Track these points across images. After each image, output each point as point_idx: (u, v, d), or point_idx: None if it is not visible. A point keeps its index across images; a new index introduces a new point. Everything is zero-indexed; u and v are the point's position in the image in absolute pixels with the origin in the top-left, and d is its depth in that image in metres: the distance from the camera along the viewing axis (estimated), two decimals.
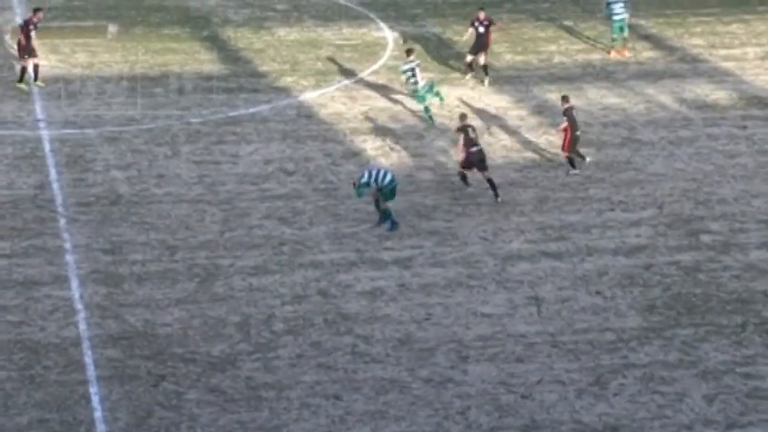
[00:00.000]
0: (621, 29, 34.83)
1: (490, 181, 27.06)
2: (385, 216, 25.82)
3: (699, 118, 31.70)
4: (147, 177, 28.12)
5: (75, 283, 23.76)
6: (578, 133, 28.51)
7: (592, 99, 32.81)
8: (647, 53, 35.84)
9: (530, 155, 29.67)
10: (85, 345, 21.88)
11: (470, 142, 27.08)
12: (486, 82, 32.93)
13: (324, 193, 27.64)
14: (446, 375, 21.41)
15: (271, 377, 21.22)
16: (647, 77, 34.15)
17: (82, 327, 22.40)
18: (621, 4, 34.72)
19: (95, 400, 20.49)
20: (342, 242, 25.57)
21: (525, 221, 26.56)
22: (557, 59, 35.41)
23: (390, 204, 25.88)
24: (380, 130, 30.68)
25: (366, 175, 25.74)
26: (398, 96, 32.66)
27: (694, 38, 36.50)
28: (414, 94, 31.15)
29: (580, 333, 22.65)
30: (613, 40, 34.91)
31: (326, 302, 23.46)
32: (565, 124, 28.33)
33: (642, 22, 38.23)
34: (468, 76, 33.29)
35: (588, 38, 37.09)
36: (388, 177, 25.69)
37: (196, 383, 21.02)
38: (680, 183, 28.30)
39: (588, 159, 28.80)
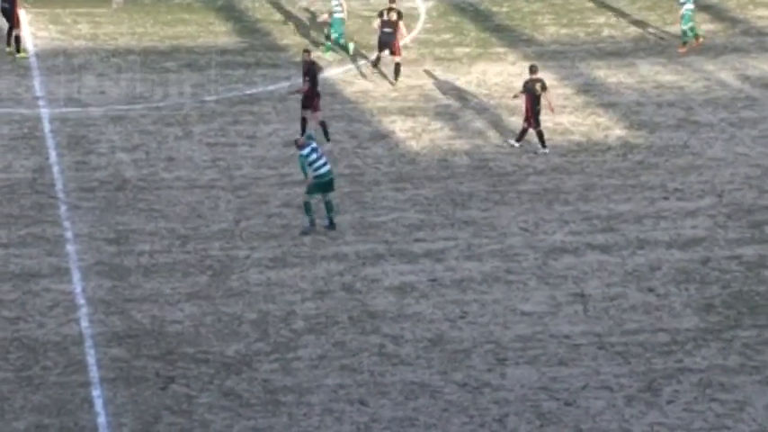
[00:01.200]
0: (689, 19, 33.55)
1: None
2: (308, 210, 25.07)
3: (764, 97, 31.50)
4: (155, 160, 28.22)
5: (76, 276, 23.89)
6: (538, 108, 28.32)
7: (645, 76, 32.69)
8: (706, 26, 35.62)
9: (575, 138, 29.59)
10: (88, 343, 22.00)
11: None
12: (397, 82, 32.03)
13: (349, 178, 27.66)
14: (482, 379, 21.41)
15: (290, 380, 21.28)
16: (707, 53, 33.96)
17: (84, 324, 22.53)
18: None
19: (98, 403, 20.60)
20: (368, 232, 25.60)
21: (570, 211, 26.50)
22: (606, 33, 35.26)
23: (313, 200, 25.02)
24: (411, 110, 30.66)
25: (308, 150, 24.97)
26: (431, 72, 32.63)
27: (759, 8, 36.24)
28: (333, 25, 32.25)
29: (630, 334, 22.59)
30: (684, 33, 33.68)
31: (351, 298, 23.50)
32: (523, 97, 28.25)
33: None
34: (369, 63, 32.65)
35: (641, 9, 36.91)
36: (323, 169, 24.88)
37: (208, 386, 21.11)
38: (742, 169, 28.15)
39: (514, 143, 28.60)
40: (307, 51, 29.04)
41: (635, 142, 29.42)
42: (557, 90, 31.98)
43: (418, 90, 31.59)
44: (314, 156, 24.96)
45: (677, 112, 30.92)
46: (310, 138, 25.62)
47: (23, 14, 35.31)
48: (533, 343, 22.27)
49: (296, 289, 23.69)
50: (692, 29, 33.71)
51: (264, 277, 24.05)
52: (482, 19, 35.85)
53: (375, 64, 32.45)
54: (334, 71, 32.76)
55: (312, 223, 25.16)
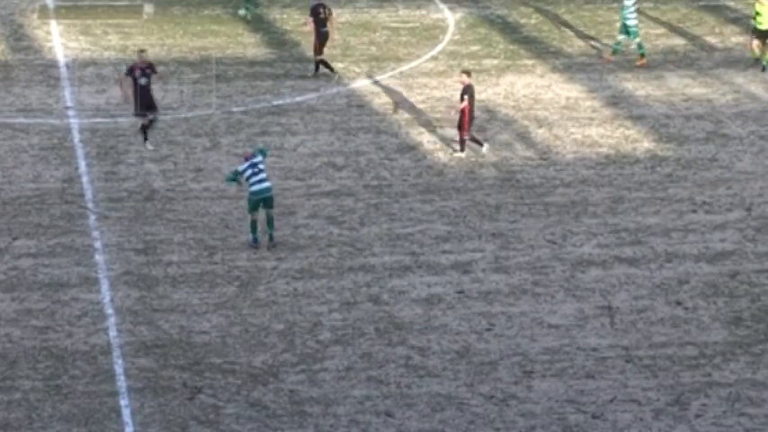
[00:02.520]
0: (630, 33, 33.41)
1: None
2: (252, 227, 25.04)
3: None
4: (183, 171, 28.32)
5: (105, 286, 23.99)
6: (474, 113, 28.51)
7: (674, 89, 32.58)
8: (735, 38, 35.50)
9: (603, 150, 29.52)
10: (116, 353, 22.08)
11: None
12: (311, 74, 32.45)
13: (376, 190, 27.68)
14: (509, 392, 21.36)
15: (316, 391, 21.29)
16: (736, 65, 33.83)
17: (112, 333, 22.61)
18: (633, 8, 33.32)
19: (126, 413, 20.66)
20: (395, 244, 25.60)
21: (597, 223, 26.43)
22: (634, 45, 35.18)
23: (259, 216, 24.89)
24: (439, 122, 30.65)
25: (245, 166, 24.94)
26: (459, 85, 32.63)
27: None
28: None
29: (658, 347, 22.49)
30: (639, 46, 33.44)
31: (378, 310, 23.50)
32: (465, 103, 28.18)
33: (731, 3, 37.87)
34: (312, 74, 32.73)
35: (670, 21, 36.82)
36: (256, 186, 24.78)
37: (235, 397, 21.14)
38: None
39: (485, 147, 28.66)
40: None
41: (663, 155, 29.33)
42: (585, 102, 31.92)
43: (446, 102, 31.59)
44: (249, 171, 24.89)
45: (706, 125, 30.81)
46: (262, 152, 25.48)
47: (55, 27, 35.61)
48: (560, 355, 22.20)
49: (323, 300, 23.71)
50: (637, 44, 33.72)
51: (291, 288, 24.08)
52: (510, 31, 35.84)
53: (322, 68, 32.48)
54: (362, 83, 32.81)
55: (254, 241, 25.06)
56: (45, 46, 34.49)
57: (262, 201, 25.04)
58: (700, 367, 21.93)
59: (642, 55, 33.63)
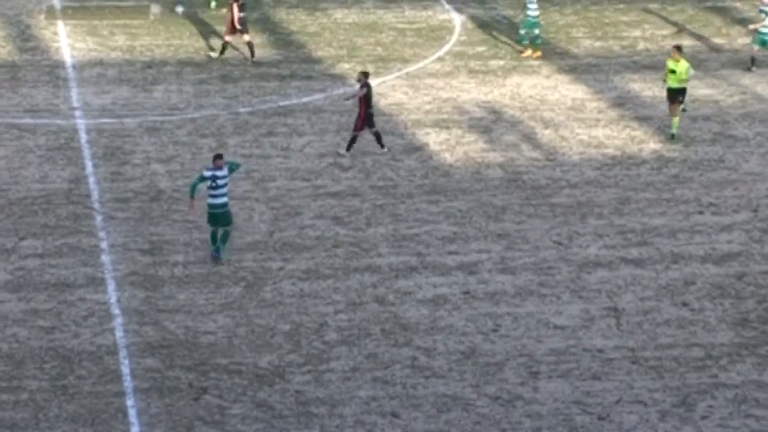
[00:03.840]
0: (532, 26, 33.88)
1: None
2: (211, 239, 24.45)
3: None
4: (190, 171, 28.32)
5: (111, 286, 24.01)
6: (372, 111, 28.48)
7: None
8: (742, 39, 35.45)
9: (609, 151, 29.49)
10: (122, 353, 22.10)
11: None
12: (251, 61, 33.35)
13: (382, 190, 27.68)
14: (515, 393, 21.35)
15: (322, 391, 21.29)
16: (743, 66, 33.78)
17: (118, 333, 22.63)
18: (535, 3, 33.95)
19: (132, 413, 20.68)
20: (401, 245, 25.60)
21: (604, 224, 26.41)
22: (641, 46, 35.14)
23: (215, 229, 24.29)
24: (445, 122, 30.67)
25: (207, 173, 24.07)
26: (465, 86, 32.63)
27: None
28: None
29: (664, 348, 22.47)
30: (526, 38, 33.99)
31: (384, 311, 23.49)
32: (362, 92, 28.09)
33: (737, 4, 37.82)
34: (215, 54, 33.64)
35: (676, 22, 36.78)
36: (212, 200, 24.03)
37: (241, 397, 21.15)
38: None
39: (386, 150, 28.79)
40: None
41: (670, 156, 29.30)
42: (591, 103, 31.90)
43: (452, 102, 31.59)
44: (209, 183, 24.04)
45: (713, 126, 30.77)
46: (231, 167, 24.32)
47: (62, 27, 35.66)
48: (566, 357, 22.18)
49: (329, 301, 23.71)
50: (534, 36, 33.97)
51: (297, 289, 24.08)
52: (517, 32, 35.81)
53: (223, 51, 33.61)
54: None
55: (215, 252, 24.39)
56: (52, 46, 34.52)
57: (213, 216, 24.21)
58: (706, 369, 21.91)
59: (536, 48, 33.91)
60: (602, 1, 38.04)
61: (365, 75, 28.60)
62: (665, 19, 36.84)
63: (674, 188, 27.87)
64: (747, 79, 33.04)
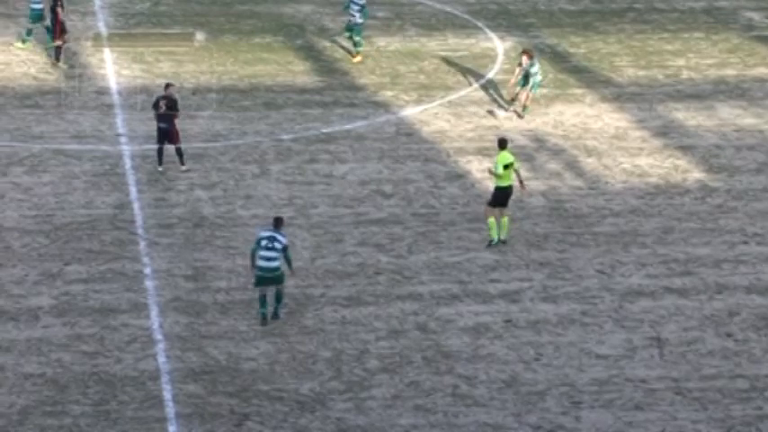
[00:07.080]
0: (351, 30, 35.02)
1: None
2: (260, 302, 23.41)
3: None
4: (233, 198, 28.47)
5: (154, 312, 24.13)
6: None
7: (725, 119, 32.39)
8: None
9: (653, 180, 29.38)
10: (164, 379, 22.18)
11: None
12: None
13: (424, 218, 27.69)
14: (556, 422, 21.24)
15: (363, 419, 21.27)
16: None
17: (161, 359, 22.72)
18: (358, 7, 34.80)
19: None
20: (443, 272, 25.57)
21: (647, 254, 26.28)
22: (685, 75, 35.03)
23: (264, 292, 23.31)
24: (487, 150, 30.66)
25: (264, 233, 23.26)
26: (508, 114, 32.60)
27: None
28: None
29: (708, 379, 22.29)
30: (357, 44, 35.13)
31: (425, 338, 23.46)
32: None
33: None
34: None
35: (722, 51, 36.64)
36: (262, 262, 23.06)
37: (282, 424, 21.17)
38: None
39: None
40: None
41: (714, 186, 29.15)
42: (634, 132, 31.80)
43: (494, 131, 31.58)
44: (263, 242, 23.20)
45: (757, 155, 30.58)
46: (288, 256, 23.33)
47: (108, 54, 36.00)
48: (609, 386, 22.06)
49: (370, 328, 23.71)
50: (359, 41, 35.07)
51: (339, 316, 24.10)
52: (559, 60, 35.81)
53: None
54: (411, 111, 32.89)
55: (263, 316, 23.46)
56: (98, 73, 34.86)
57: (262, 278, 23.28)
58: (750, 400, 21.71)
59: (358, 52, 34.96)
60: (646, 30, 37.97)
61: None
62: (709, 48, 36.70)
63: (718, 218, 27.70)
64: None
